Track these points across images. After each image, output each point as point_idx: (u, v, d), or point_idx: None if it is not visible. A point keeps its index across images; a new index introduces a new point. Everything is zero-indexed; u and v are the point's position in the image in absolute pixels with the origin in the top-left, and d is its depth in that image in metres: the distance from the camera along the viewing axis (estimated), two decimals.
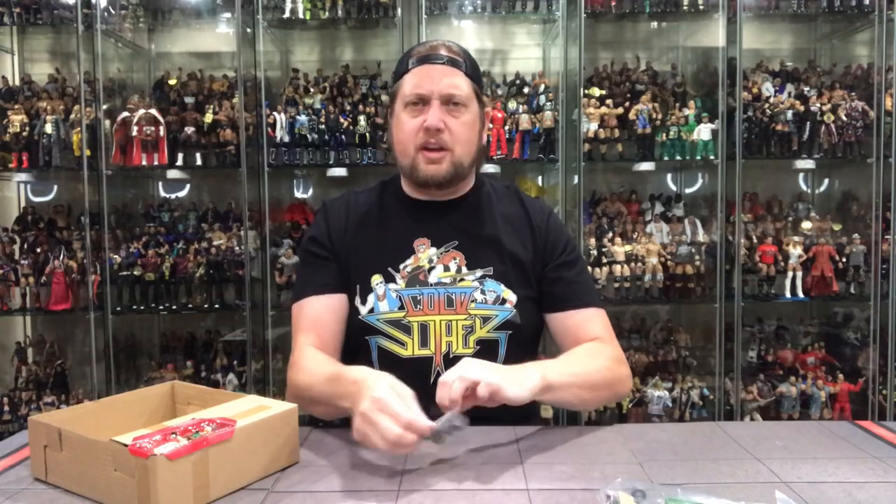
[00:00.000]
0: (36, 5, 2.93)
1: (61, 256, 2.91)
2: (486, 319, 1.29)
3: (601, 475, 0.99)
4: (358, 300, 1.31)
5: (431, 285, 1.30)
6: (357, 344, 1.31)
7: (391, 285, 1.30)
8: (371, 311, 1.30)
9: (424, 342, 1.28)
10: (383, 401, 0.97)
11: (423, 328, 1.28)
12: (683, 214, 3.09)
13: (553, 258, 1.36)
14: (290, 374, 1.28)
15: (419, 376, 1.28)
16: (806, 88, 2.99)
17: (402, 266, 1.31)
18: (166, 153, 2.90)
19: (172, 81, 3.07)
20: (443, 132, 1.27)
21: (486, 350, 1.29)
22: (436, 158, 1.29)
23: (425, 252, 1.32)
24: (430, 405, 1.29)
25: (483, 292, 1.30)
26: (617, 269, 2.91)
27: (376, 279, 1.31)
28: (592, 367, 1.23)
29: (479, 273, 1.32)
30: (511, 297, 1.31)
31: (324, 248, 1.35)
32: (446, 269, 1.31)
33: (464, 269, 1.31)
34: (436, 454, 1.07)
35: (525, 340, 1.34)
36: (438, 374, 1.28)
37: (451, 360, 1.28)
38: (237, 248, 2.96)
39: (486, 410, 1.31)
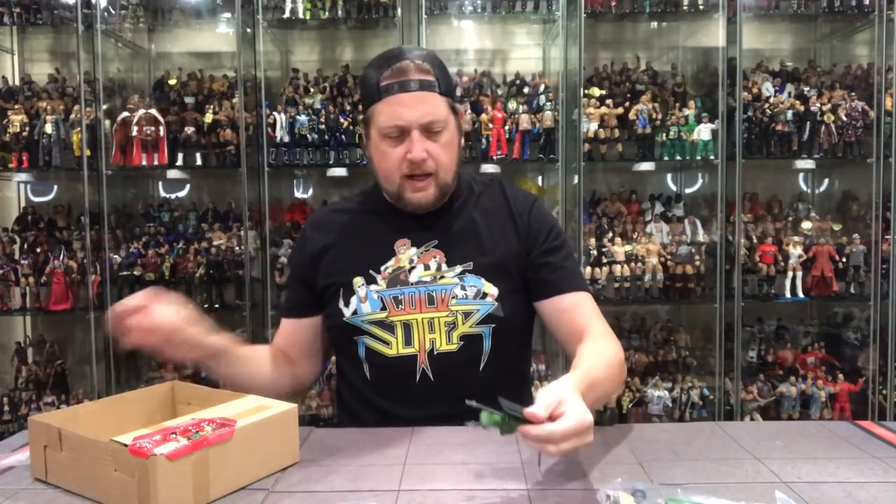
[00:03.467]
0: (36, 5, 2.93)
1: (61, 256, 2.91)
2: (467, 314, 1.29)
3: (601, 475, 0.99)
4: (341, 303, 1.32)
5: (412, 284, 1.30)
6: (346, 344, 1.34)
7: (372, 287, 1.31)
8: (354, 312, 1.31)
9: (408, 341, 1.29)
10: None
11: (407, 327, 1.29)
12: (683, 214, 3.09)
13: (537, 245, 1.34)
14: None
15: (405, 375, 1.29)
16: (806, 88, 2.99)
17: (382, 268, 1.32)
18: (166, 153, 2.90)
19: (172, 81, 3.07)
20: (427, 160, 1.26)
21: (470, 345, 1.29)
22: (422, 186, 1.29)
23: (406, 253, 1.33)
24: (417, 402, 1.29)
25: (463, 288, 1.30)
26: (617, 269, 2.91)
27: (358, 281, 1.31)
28: (605, 370, 1.17)
29: (458, 269, 1.31)
30: (492, 290, 1.30)
31: (300, 270, 1.40)
32: (426, 267, 1.31)
33: (444, 267, 1.31)
34: (435, 452, 1.07)
35: (511, 334, 1.33)
36: (423, 372, 1.29)
37: (435, 357, 1.28)
38: (237, 248, 2.96)
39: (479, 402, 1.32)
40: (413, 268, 1.31)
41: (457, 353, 1.28)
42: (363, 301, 1.31)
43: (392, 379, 1.31)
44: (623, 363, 1.25)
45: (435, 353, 1.28)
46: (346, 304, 1.32)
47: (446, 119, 1.28)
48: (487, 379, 1.31)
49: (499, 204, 1.38)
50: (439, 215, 1.36)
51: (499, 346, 1.30)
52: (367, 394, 1.34)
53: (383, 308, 1.30)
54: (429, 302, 1.29)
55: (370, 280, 1.31)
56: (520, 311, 1.34)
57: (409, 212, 1.34)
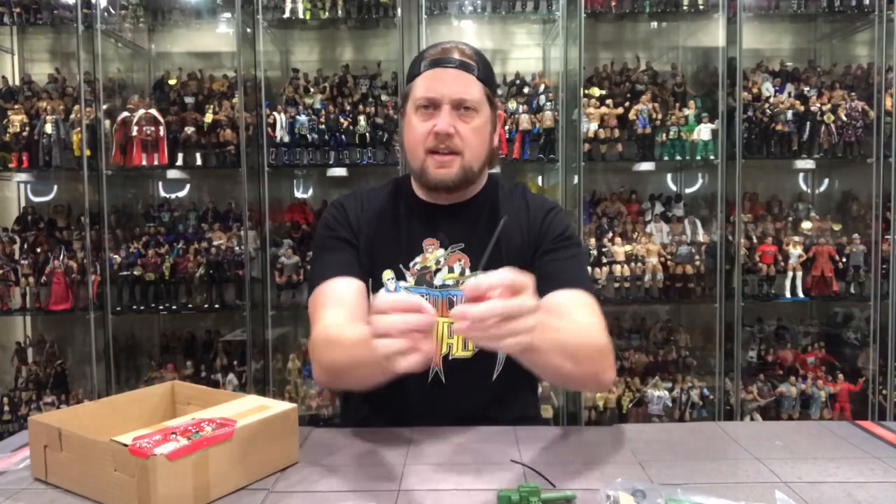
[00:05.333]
0: (36, 5, 2.93)
1: (61, 256, 2.91)
2: None
3: (601, 475, 0.99)
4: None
5: (436, 287, 1.31)
6: None
7: (401, 282, 1.32)
8: None
9: None
10: (378, 304, 0.91)
11: None
12: (683, 214, 3.09)
13: (545, 244, 1.34)
14: (319, 348, 1.22)
15: (417, 377, 1.28)
16: (806, 88, 2.99)
17: (411, 264, 1.33)
18: (166, 153, 2.90)
19: (172, 81, 3.07)
20: (453, 136, 1.27)
21: (485, 353, 1.29)
22: (445, 162, 1.29)
23: (433, 253, 1.34)
24: (426, 405, 1.29)
25: None
26: (617, 269, 2.91)
27: (387, 275, 1.32)
28: (579, 327, 1.15)
29: (480, 276, 1.31)
30: None
31: (345, 233, 1.35)
32: (451, 270, 1.32)
33: (467, 272, 1.32)
34: (435, 452, 1.07)
35: None
36: (436, 376, 1.29)
37: (449, 363, 1.29)
38: (237, 248, 2.96)
39: (487, 410, 1.31)
40: (439, 269, 1.33)
41: (472, 359, 1.29)
42: None
43: (403, 380, 1.29)
44: (602, 352, 1.17)
45: (450, 358, 1.29)
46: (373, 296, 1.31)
47: (479, 102, 1.30)
48: (499, 388, 1.31)
49: (520, 208, 1.40)
50: (465, 214, 1.36)
51: (513, 357, 1.29)
52: (376, 394, 1.33)
53: None
54: (450, 307, 1.30)
55: (399, 275, 1.32)
56: None
57: (432, 188, 1.33)
